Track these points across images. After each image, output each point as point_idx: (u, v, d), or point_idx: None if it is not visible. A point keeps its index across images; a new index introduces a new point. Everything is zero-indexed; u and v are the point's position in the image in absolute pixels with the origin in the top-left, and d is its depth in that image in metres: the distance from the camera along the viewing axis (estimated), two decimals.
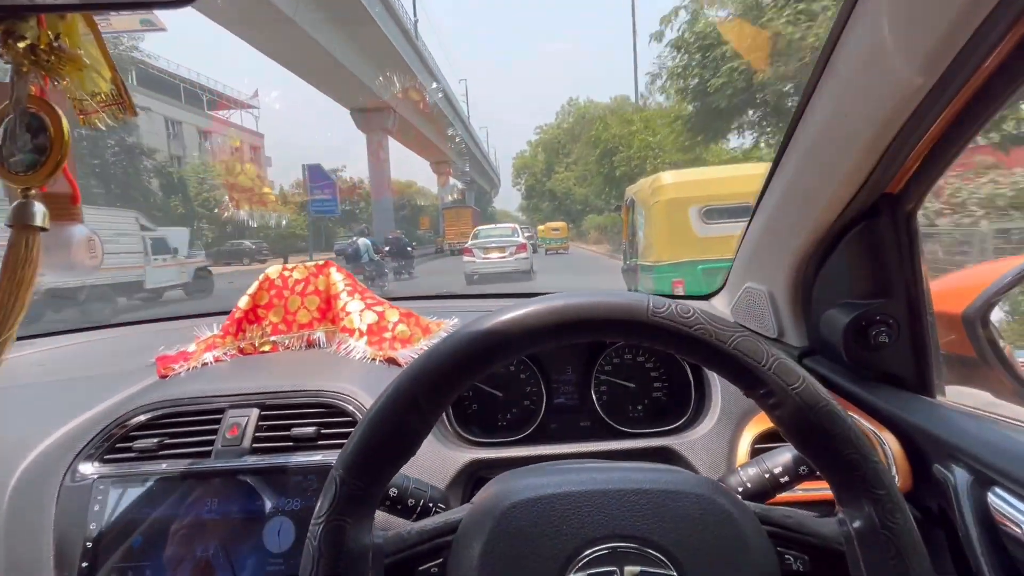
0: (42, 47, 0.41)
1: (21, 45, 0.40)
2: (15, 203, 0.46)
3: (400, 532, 0.42)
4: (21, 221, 0.45)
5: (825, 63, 0.61)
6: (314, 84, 23.61)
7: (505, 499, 0.40)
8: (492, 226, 16.84)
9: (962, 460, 0.58)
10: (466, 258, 12.30)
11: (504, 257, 11.94)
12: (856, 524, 0.39)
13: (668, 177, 5.47)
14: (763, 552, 0.39)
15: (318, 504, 0.39)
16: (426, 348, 0.90)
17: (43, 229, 0.47)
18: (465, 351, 0.39)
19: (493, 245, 12.30)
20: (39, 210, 0.46)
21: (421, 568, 0.40)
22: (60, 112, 0.44)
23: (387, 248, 12.30)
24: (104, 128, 0.53)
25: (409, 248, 13.14)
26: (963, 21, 0.46)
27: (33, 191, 0.46)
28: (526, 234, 15.56)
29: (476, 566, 0.38)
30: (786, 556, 0.41)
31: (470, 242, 13.21)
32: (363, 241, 10.61)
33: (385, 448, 0.39)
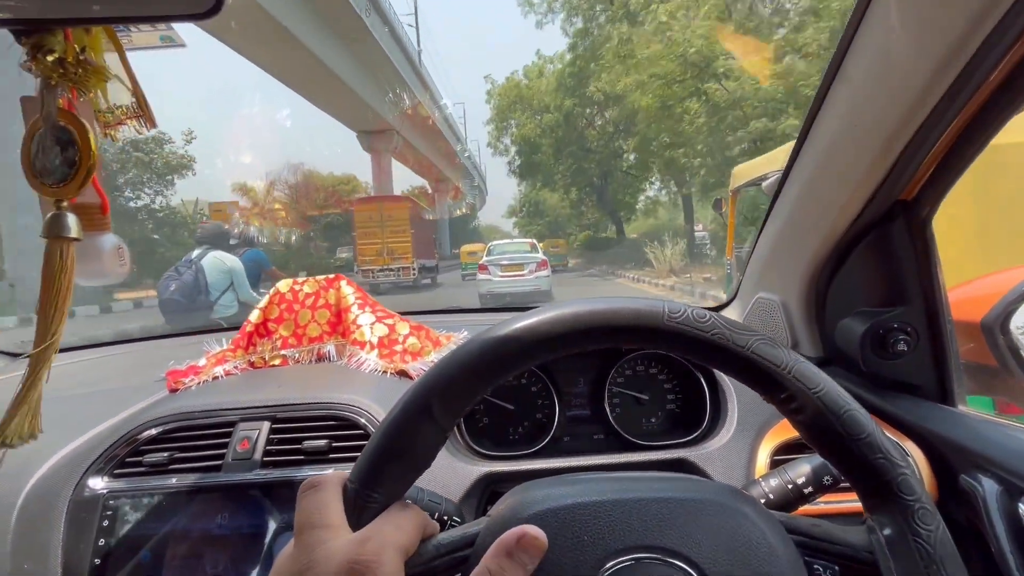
0: (69, 60, 0.42)
1: (50, 59, 0.41)
2: (49, 215, 0.47)
3: (419, 548, 0.41)
4: (55, 233, 0.47)
5: (836, 69, 0.61)
6: (321, 106, 23.97)
7: (523, 511, 0.39)
8: (507, 241, 15.78)
9: (990, 470, 0.57)
10: (481, 276, 11.20)
11: (523, 275, 10.78)
12: (886, 532, 0.38)
13: None
14: (791, 562, 0.38)
15: None
16: (437, 359, 0.90)
17: (76, 239, 0.48)
18: (480, 359, 0.39)
19: (511, 262, 11.13)
20: (72, 221, 0.47)
21: None
22: (88, 125, 0.45)
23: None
24: (125, 140, 0.53)
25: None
26: (974, 27, 0.46)
27: (65, 203, 0.47)
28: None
29: None
30: (815, 566, 0.39)
31: (485, 258, 12.13)
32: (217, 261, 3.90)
33: (400, 459, 0.39)
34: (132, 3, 0.41)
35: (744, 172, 4.92)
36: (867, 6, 0.54)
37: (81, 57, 0.43)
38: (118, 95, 0.52)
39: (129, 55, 0.51)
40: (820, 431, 0.39)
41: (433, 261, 18.03)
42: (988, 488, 0.56)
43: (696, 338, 0.38)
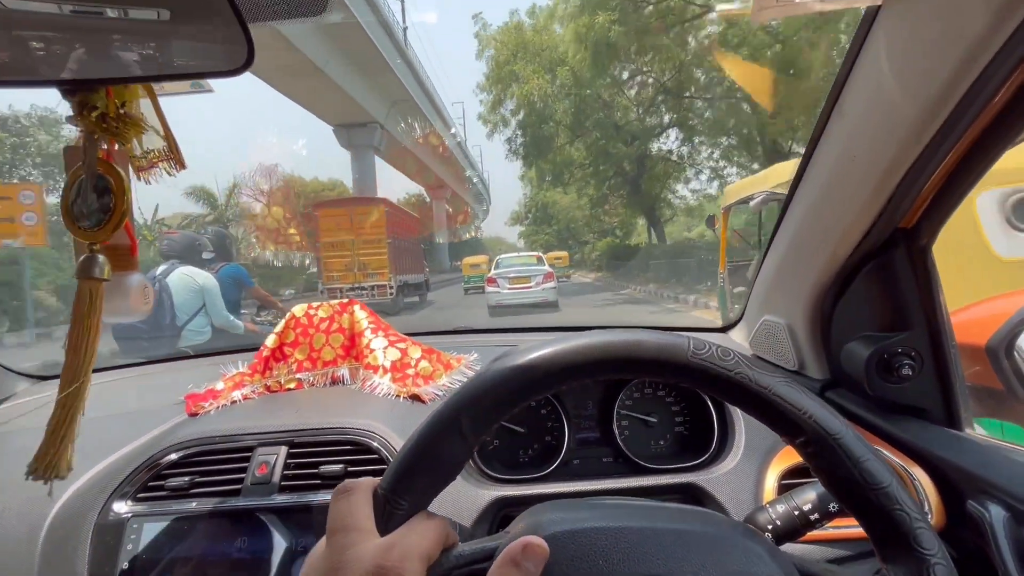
0: (111, 115, 0.46)
1: (94, 115, 0.45)
2: (82, 257, 0.50)
3: (440, 557, 0.42)
4: (86, 274, 0.50)
5: (833, 105, 0.63)
6: (292, 95, 21.59)
7: (544, 529, 0.40)
8: (515, 254, 15.57)
9: (997, 496, 0.57)
10: (490, 288, 11.63)
11: (530, 287, 11.33)
12: None
13: None
14: None
15: None
16: (449, 383, 0.92)
17: (105, 280, 0.51)
18: (509, 381, 0.40)
19: (518, 275, 11.65)
20: (103, 264, 0.50)
21: None
22: (123, 174, 0.48)
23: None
24: (157, 182, 0.57)
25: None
26: (966, 66, 0.48)
27: (97, 245, 0.50)
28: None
29: None
30: None
31: (493, 271, 12.49)
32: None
33: (427, 469, 0.40)
34: (170, 63, 0.44)
35: (734, 191, 4.95)
36: (860, 47, 0.56)
37: (121, 111, 0.47)
38: (150, 139, 0.55)
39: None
40: (838, 478, 0.39)
41: (421, 276, 15.90)
42: (995, 514, 0.56)
43: (718, 376, 0.39)
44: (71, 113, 0.46)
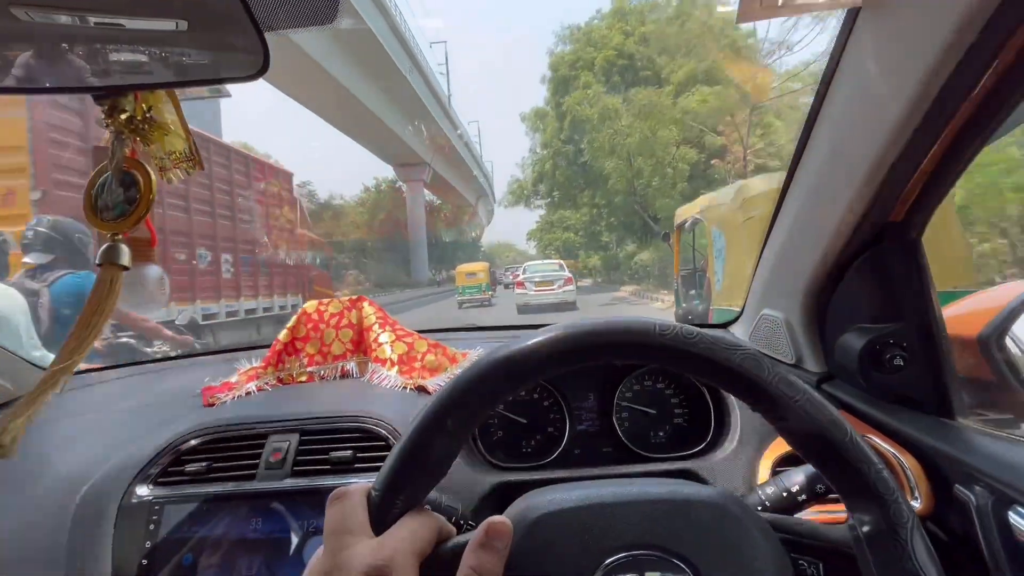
0: (139, 118, 0.50)
1: (123, 117, 0.48)
2: (105, 246, 0.54)
3: (435, 550, 0.45)
4: (109, 260, 0.53)
5: (820, 104, 0.66)
6: (359, 140, 24.16)
7: (531, 513, 0.43)
8: (539, 262, 17.28)
9: (982, 480, 0.59)
10: (518, 291, 14.11)
11: (553, 289, 13.55)
12: (865, 529, 0.41)
13: (773, 182, 4.03)
14: (777, 557, 0.41)
15: None
16: (453, 375, 0.95)
17: (125, 268, 0.54)
18: (487, 377, 0.42)
19: (543, 279, 13.93)
20: (124, 252, 0.54)
21: None
22: (150, 170, 0.52)
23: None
24: (178, 181, 0.61)
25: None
26: (943, 61, 0.50)
27: (119, 235, 0.54)
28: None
29: None
30: (800, 562, 0.43)
31: (522, 276, 14.75)
32: None
33: (418, 468, 0.42)
34: (192, 71, 0.48)
35: (680, 214, 6.03)
36: (843, 47, 0.59)
37: (148, 115, 0.51)
38: (175, 142, 0.59)
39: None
40: (802, 437, 0.42)
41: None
42: (980, 498, 0.58)
43: (684, 352, 0.42)
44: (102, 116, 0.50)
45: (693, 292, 5.66)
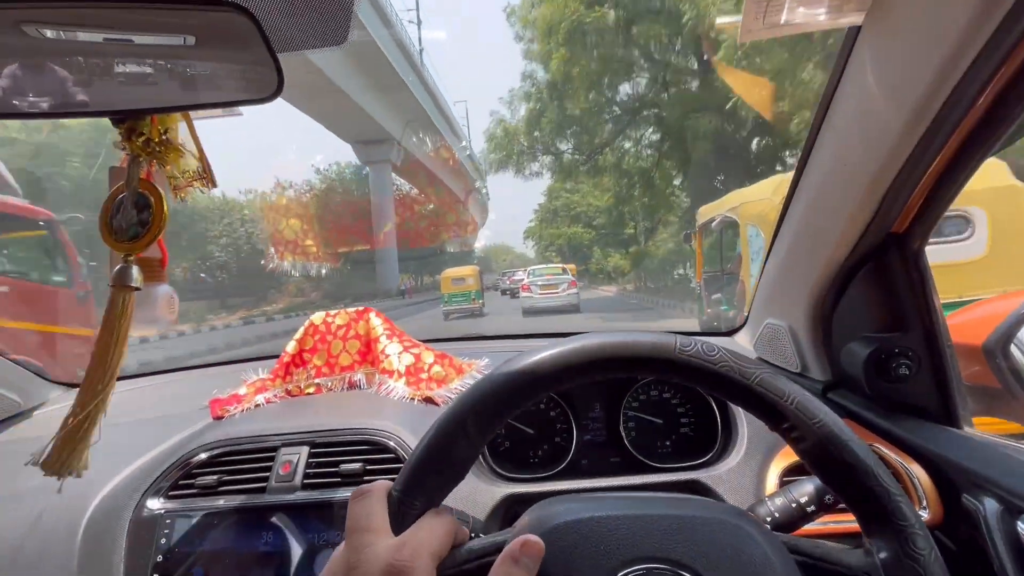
0: (155, 140, 0.51)
1: (140, 140, 0.50)
2: (117, 267, 0.55)
3: (450, 553, 0.45)
4: (121, 282, 0.54)
5: (823, 117, 0.67)
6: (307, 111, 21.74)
7: (547, 522, 0.43)
8: (544, 266, 16.97)
9: (990, 490, 0.59)
10: (524, 294, 14.34)
11: (558, 293, 13.90)
12: (882, 555, 0.40)
13: None
14: None
15: None
16: (461, 386, 0.95)
17: (137, 289, 0.55)
18: (510, 384, 0.43)
19: (547, 283, 14.22)
20: (136, 273, 0.55)
21: None
22: (163, 193, 0.53)
23: None
24: (193, 200, 0.62)
25: None
26: (943, 77, 0.51)
27: (132, 256, 0.55)
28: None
29: None
30: None
31: (528, 279, 14.96)
32: None
33: (437, 470, 0.43)
34: (207, 94, 0.49)
35: (704, 213, 5.59)
36: (845, 62, 0.60)
37: (164, 137, 0.52)
38: (189, 161, 0.60)
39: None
40: (821, 460, 0.42)
41: None
42: (989, 507, 0.58)
43: (704, 369, 0.42)
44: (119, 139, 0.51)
45: (718, 296, 5.44)
